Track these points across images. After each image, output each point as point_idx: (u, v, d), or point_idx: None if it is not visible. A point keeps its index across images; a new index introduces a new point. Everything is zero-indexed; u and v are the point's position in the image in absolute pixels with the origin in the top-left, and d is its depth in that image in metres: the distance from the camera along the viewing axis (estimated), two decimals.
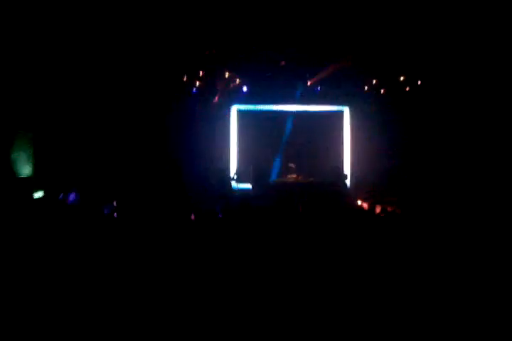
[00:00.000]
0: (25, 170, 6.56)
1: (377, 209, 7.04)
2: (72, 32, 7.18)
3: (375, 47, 8.05)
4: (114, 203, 5.59)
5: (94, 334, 3.25)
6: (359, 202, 7.48)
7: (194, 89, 8.59)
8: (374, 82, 8.77)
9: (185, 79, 8.46)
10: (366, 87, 8.81)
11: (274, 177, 8.39)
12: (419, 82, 8.69)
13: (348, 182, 8.37)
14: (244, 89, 8.63)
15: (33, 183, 5.91)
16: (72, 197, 5.41)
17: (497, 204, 6.23)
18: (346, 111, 9.23)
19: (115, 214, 5.49)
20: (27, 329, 3.23)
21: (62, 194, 5.32)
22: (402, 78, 8.67)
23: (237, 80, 8.57)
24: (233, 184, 8.02)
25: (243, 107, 9.05)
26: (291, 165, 8.25)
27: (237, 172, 8.25)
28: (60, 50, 7.41)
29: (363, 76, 8.73)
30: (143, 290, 3.85)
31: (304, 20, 7.48)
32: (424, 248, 5.04)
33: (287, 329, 3.39)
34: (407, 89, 8.74)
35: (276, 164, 8.67)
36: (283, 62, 8.53)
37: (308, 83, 8.73)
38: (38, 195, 5.58)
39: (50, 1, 6.59)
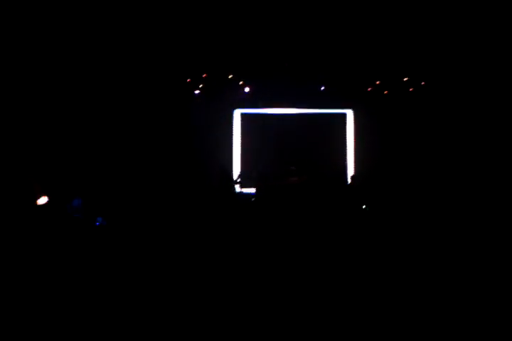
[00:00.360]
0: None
1: (379, 211, 7.08)
2: (79, 38, 7.27)
3: (379, 48, 8.03)
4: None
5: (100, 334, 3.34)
6: (362, 204, 7.52)
7: (197, 92, 8.65)
8: (377, 84, 8.76)
9: (188, 81, 8.54)
10: (369, 89, 8.81)
11: (276, 180, 8.42)
12: (422, 83, 8.68)
13: (350, 183, 8.40)
14: (247, 90, 8.67)
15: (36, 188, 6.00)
16: (75, 203, 5.51)
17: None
18: (350, 113, 9.22)
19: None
20: (27, 330, 3.32)
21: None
22: (405, 79, 8.66)
23: (240, 83, 8.62)
24: (236, 188, 8.08)
25: (246, 111, 9.08)
26: (293, 167, 8.29)
27: (241, 176, 8.31)
28: (65, 55, 7.49)
29: (367, 78, 8.72)
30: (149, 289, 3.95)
31: (307, 22, 7.50)
32: (425, 247, 5.11)
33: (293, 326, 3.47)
34: (411, 90, 8.72)
35: (279, 167, 8.70)
36: (286, 64, 8.55)
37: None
38: (42, 201, 5.66)
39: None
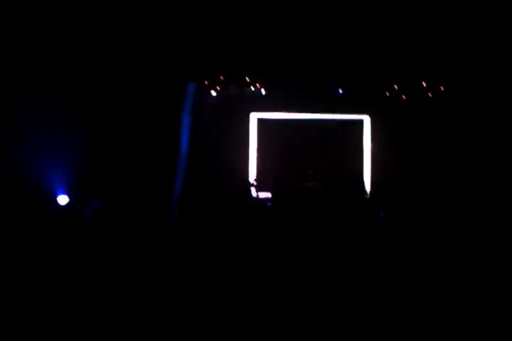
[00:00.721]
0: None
1: (398, 218, 7.00)
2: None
3: (396, 53, 7.97)
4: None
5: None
6: (379, 211, 7.44)
7: (214, 95, 8.66)
8: (395, 90, 8.69)
9: (206, 84, 8.56)
10: (388, 94, 8.75)
11: (292, 184, 8.38)
12: (441, 88, 8.59)
13: (367, 190, 8.33)
14: (263, 94, 8.66)
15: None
16: (94, 204, 5.51)
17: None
18: (367, 119, 9.16)
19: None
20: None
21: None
22: (424, 84, 8.58)
23: (257, 86, 8.61)
24: (253, 191, 8.05)
25: (262, 115, 9.06)
26: (310, 172, 8.24)
27: (257, 180, 8.28)
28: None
29: (384, 84, 8.67)
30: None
31: (325, 26, 7.47)
32: (443, 256, 5.05)
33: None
34: (430, 95, 8.64)
35: (295, 171, 8.66)
36: (303, 68, 8.53)
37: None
38: (63, 201, 5.68)
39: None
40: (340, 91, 8.72)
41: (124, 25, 7.09)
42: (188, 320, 3.57)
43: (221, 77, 8.60)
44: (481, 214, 6.69)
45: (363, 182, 8.46)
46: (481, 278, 4.39)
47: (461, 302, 3.91)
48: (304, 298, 4.03)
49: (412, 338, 3.41)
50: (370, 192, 8.29)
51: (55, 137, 7.28)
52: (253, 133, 9.07)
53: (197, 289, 4.14)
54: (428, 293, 4.13)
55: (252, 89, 8.69)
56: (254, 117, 9.07)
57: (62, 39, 7.16)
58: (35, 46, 7.07)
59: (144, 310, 3.68)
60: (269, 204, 7.56)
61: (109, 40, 7.35)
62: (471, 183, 8.04)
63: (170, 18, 7.22)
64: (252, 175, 8.76)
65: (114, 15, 6.92)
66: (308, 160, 8.74)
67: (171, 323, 3.50)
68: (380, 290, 4.23)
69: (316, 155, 8.85)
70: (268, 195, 7.93)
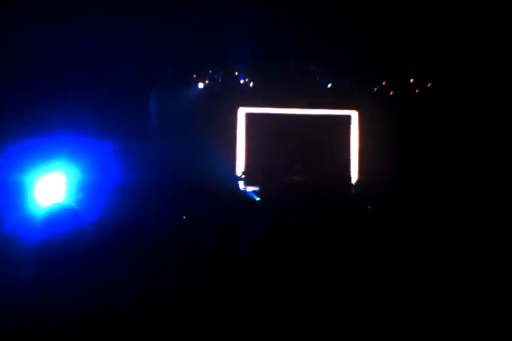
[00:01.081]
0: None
1: (383, 212, 7.05)
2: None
3: (384, 48, 8.00)
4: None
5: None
6: (365, 205, 7.48)
7: (201, 88, 8.63)
8: (383, 86, 8.75)
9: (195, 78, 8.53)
10: (375, 90, 8.79)
11: (280, 178, 8.41)
12: (429, 84, 8.65)
13: (353, 183, 8.41)
14: (252, 89, 8.67)
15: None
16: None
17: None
18: (354, 115, 9.23)
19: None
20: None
21: None
22: (412, 80, 8.64)
23: (246, 81, 8.62)
24: (240, 185, 8.08)
25: (250, 110, 9.08)
26: (298, 166, 8.29)
27: (245, 173, 8.30)
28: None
29: (373, 80, 8.71)
30: None
31: (312, 21, 7.46)
32: (427, 251, 5.07)
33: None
34: (417, 91, 8.70)
35: (283, 165, 8.70)
36: (292, 64, 8.55)
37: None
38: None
39: None
40: (329, 85, 8.75)
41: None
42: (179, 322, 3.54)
43: (209, 71, 8.57)
44: (468, 207, 6.75)
45: (350, 177, 8.55)
46: (475, 275, 4.39)
47: (456, 300, 3.90)
48: (293, 294, 4.00)
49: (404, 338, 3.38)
50: (357, 185, 8.34)
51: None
52: (241, 128, 9.08)
53: (186, 287, 4.10)
54: (420, 288, 4.11)
55: (241, 84, 8.69)
56: (242, 112, 9.08)
57: None
58: None
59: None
60: (257, 198, 7.58)
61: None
62: (458, 177, 8.11)
63: (158, 13, 7.15)
64: (240, 169, 8.77)
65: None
66: (297, 155, 8.79)
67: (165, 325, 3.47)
68: (369, 285, 4.21)
69: (304, 150, 8.89)
70: (256, 188, 7.97)
